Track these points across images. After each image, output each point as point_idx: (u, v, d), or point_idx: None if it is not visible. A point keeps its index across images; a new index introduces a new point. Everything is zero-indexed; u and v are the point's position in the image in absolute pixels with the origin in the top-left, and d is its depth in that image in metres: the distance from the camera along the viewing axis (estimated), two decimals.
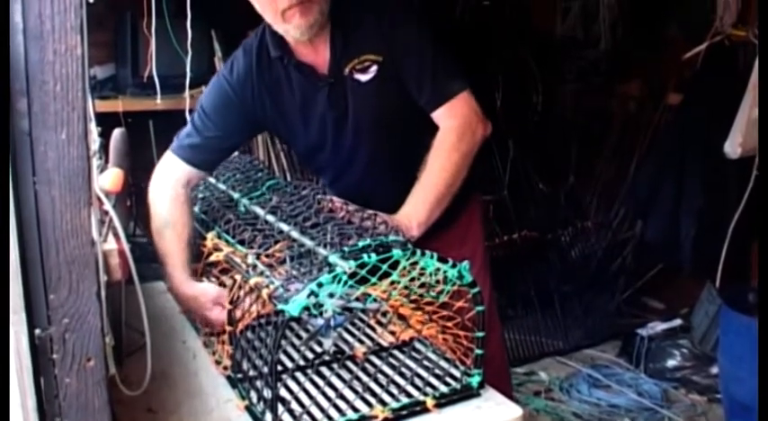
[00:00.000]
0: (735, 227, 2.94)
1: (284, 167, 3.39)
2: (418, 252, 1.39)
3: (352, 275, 1.31)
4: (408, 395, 1.46)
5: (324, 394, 1.45)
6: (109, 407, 1.02)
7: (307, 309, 1.29)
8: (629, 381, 3.52)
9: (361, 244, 1.38)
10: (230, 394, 1.52)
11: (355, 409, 1.41)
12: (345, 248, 1.38)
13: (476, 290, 1.44)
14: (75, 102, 0.91)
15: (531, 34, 4.23)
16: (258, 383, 1.44)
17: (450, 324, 1.56)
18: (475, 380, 1.50)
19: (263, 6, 1.79)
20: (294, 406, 1.41)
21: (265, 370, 1.40)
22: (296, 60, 1.91)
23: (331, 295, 1.30)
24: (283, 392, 1.43)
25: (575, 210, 4.27)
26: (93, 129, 1.53)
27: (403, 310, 1.66)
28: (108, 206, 1.29)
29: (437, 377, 1.52)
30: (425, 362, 1.56)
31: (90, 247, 0.95)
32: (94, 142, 1.49)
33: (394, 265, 1.36)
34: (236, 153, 2.16)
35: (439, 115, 1.85)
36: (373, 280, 1.34)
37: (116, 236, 1.31)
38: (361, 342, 1.69)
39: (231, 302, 1.55)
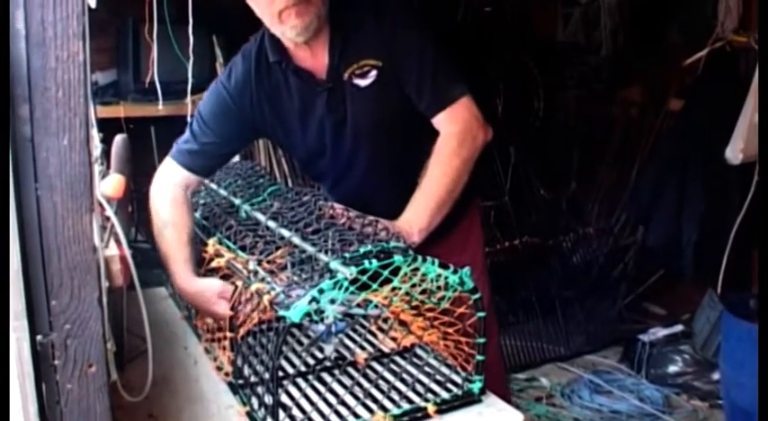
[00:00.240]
0: (736, 232, 2.94)
1: (285, 173, 3.40)
2: (419, 258, 1.39)
3: (353, 281, 1.31)
4: (410, 401, 1.46)
5: (325, 400, 1.45)
6: (110, 412, 1.02)
7: (308, 315, 1.29)
8: (630, 387, 3.51)
9: (362, 250, 1.39)
10: (232, 400, 1.52)
11: (356, 415, 1.41)
12: (347, 254, 1.38)
13: (477, 296, 1.44)
14: (78, 108, 0.91)
15: (532, 40, 4.24)
16: (259, 389, 1.44)
17: (451, 330, 1.56)
18: (476, 387, 1.50)
19: (261, 9, 1.80)
20: (295, 412, 1.41)
21: (267, 376, 1.40)
22: (294, 65, 1.91)
23: (332, 301, 1.30)
24: (284, 398, 1.43)
25: (576, 215, 4.27)
26: (95, 135, 1.53)
27: (404, 316, 1.66)
28: (110, 212, 1.29)
29: (438, 383, 1.52)
30: (426, 369, 1.56)
31: (92, 253, 0.95)
32: (96, 148, 1.49)
33: (395, 272, 1.36)
34: (237, 158, 2.16)
35: (439, 120, 1.85)
36: (374, 286, 1.34)
37: (118, 242, 1.31)
38: (363, 348, 1.68)
39: (232, 308, 1.55)
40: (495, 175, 3.92)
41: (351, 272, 1.32)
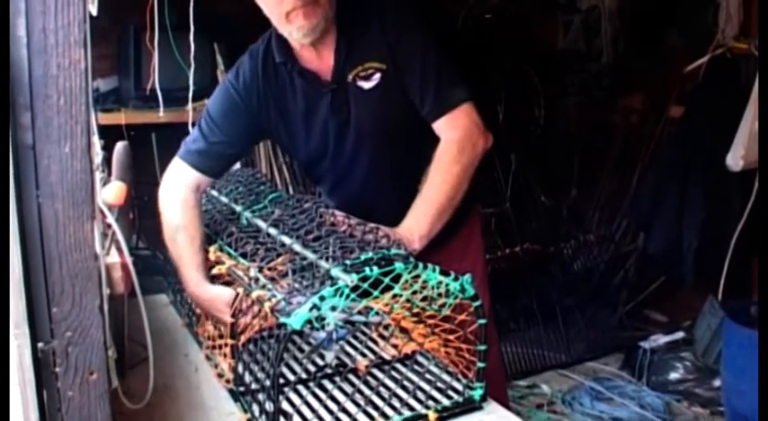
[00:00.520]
0: (737, 239, 2.94)
1: (287, 180, 3.40)
2: (420, 265, 1.39)
3: (354, 289, 1.31)
4: (410, 408, 1.46)
5: (326, 407, 1.45)
6: (111, 420, 1.02)
7: (309, 322, 1.29)
8: (631, 394, 3.51)
9: (363, 257, 1.39)
10: (233, 407, 1.52)
11: None
12: (347, 262, 1.38)
13: (478, 303, 1.44)
14: (79, 115, 0.92)
15: (533, 47, 4.25)
16: (260, 396, 1.43)
17: (452, 337, 1.56)
18: (477, 394, 1.50)
19: (270, 8, 1.80)
20: (296, 419, 1.41)
21: (267, 383, 1.39)
22: (300, 66, 1.92)
23: (333, 308, 1.30)
24: (285, 405, 1.43)
25: (577, 222, 4.27)
26: (96, 143, 1.53)
27: (405, 323, 1.66)
28: (111, 219, 1.30)
29: (439, 390, 1.52)
30: (427, 376, 1.56)
31: (93, 261, 0.95)
32: (97, 155, 1.50)
33: (396, 279, 1.36)
34: (238, 166, 2.16)
35: (440, 126, 1.85)
36: (375, 293, 1.34)
37: (119, 249, 1.31)
38: (364, 355, 1.68)
39: (233, 315, 1.55)
40: (495, 182, 3.92)
41: (352, 279, 1.32)
